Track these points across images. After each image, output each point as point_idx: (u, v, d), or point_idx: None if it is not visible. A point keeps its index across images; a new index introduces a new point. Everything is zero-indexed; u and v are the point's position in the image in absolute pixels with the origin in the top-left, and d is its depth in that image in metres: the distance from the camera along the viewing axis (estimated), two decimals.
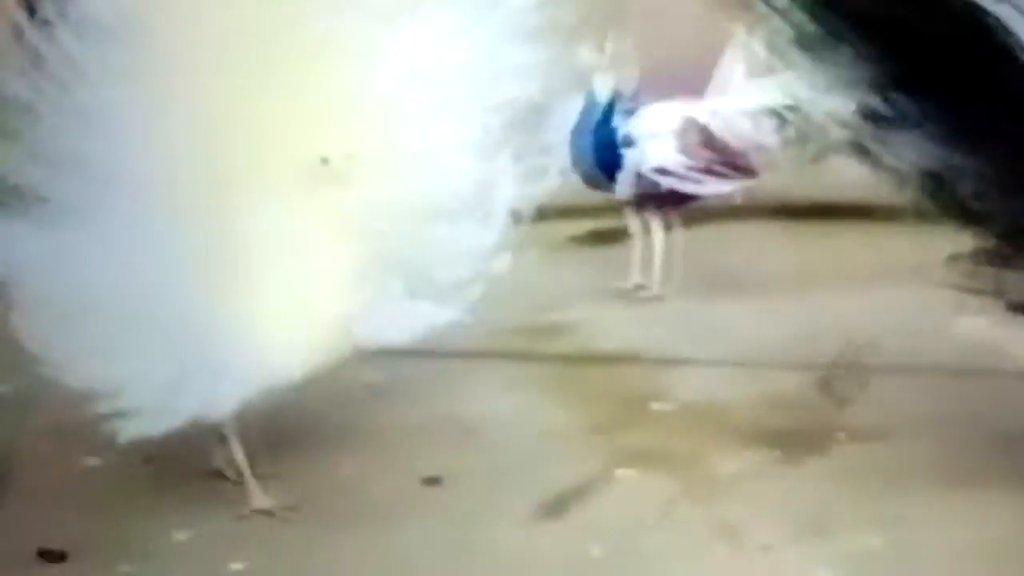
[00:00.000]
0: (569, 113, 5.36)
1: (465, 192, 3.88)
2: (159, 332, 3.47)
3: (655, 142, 5.42)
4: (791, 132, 4.98)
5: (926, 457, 4.07)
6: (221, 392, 3.50)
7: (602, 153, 5.43)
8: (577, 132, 5.38)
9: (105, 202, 3.47)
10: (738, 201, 5.73)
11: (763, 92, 5.07)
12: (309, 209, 3.56)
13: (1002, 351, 4.23)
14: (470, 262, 3.88)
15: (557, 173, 4.60)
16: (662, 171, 5.42)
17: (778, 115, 4.98)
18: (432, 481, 3.93)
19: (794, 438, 4.24)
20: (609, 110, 5.44)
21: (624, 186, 5.46)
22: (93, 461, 3.98)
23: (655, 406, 4.48)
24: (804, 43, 3.87)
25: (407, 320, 3.81)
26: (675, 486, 3.94)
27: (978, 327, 4.04)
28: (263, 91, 3.50)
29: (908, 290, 5.46)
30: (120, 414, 3.41)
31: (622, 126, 5.43)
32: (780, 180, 6.46)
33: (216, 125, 3.45)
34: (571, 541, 3.65)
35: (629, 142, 5.42)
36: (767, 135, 5.22)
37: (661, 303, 5.42)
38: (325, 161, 3.52)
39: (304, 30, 3.57)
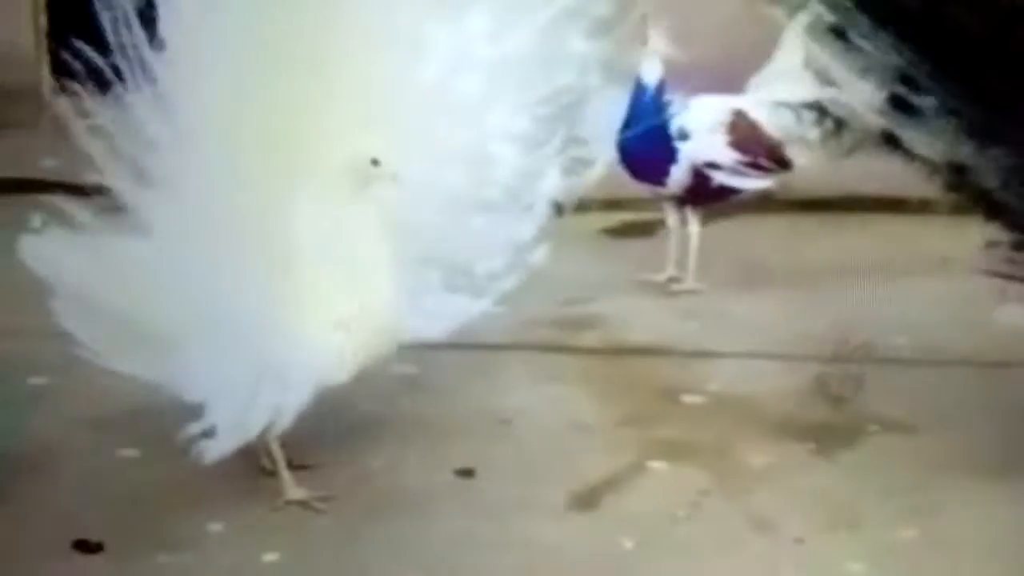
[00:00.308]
0: (612, 105, 5.25)
1: (510, 184, 3.90)
2: (232, 347, 3.47)
3: (708, 136, 5.40)
4: (829, 124, 4.96)
5: (957, 449, 4.06)
6: (287, 402, 3.52)
7: (655, 145, 5.34)
8: (627, 124, 5.28)
9: (172, 214, 3.49)
10: (773, 193, 5.72)
11: (807, 84, 5.04)
12: (360, 210, 3.57)
13: None
14: (508, 254, 3.90)
15: (601, 165, 4.63)
16: (713, 165, 5.40)
17: (819, 108, 4.97)
18: (465, 472, 3.95)
19: (826, 431, 4.24)
20: (658, 102, 5.34)
21: (677, 180, 5.41)
22: (130, 452, 4.02)
23: (687, 399, 4.49)
24: (842, 30, 3.88)
25: (443, 313, 3.84)
26: (707, 478, 3.95)
27: (1017, 315, 4.01)
28: (320, 91, 3.50)
29: (940, 282, 5.48)
30: (208, 433, 3.45)
31: (674, 118, 5.35)
32: (815, 173, 6.47)
33: (273, 130, 3.44)
34: (603, 533, 3.66)
35: (684, 135, 5.37)
36: (808, 128, 5.20)
37: (695, 296, 5.42)
38: (376, 162, 3.53)
39: (358, 26, 3.58)
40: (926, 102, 3.79)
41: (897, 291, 5.38)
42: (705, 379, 4.63)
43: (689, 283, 5.49)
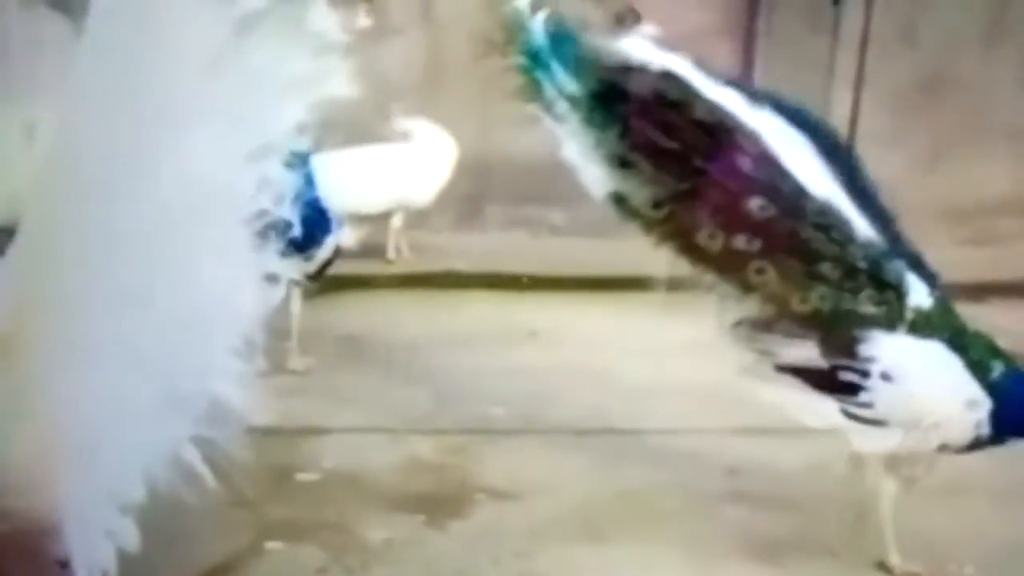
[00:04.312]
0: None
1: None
2: None
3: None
4: None
5: (557, 513, 4.30)
6: None
7: (316, 217, 5.23)
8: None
9: None
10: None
11: None
12: None
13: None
14: None
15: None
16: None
17: None
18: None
19: (436, 502, 4.39)
20: (307, 169, 5.20)
21: (327, 249, 5.42)
22: None
23: (301, 476, 4.53)
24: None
25: None
26: (325, 556, 3.99)
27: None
28: None
29: (535, 353, 5.82)
30: None
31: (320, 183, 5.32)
32: (414, 250, 6.72)
33: None
34: None
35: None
36: None
37: (300, 373, 5.47)
38: None
39: None
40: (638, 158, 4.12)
41: (493, 363, 5.64)
42: (317, 456, 4.68)
43: (294, 361, 5.53)
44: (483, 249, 7.40)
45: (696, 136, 4.03)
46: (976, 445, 3.85)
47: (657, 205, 4.12)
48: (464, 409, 5.13)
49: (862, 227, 3.93)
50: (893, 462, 3.95)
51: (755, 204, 3.96)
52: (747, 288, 4.00)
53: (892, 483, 3.93)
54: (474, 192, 7.72)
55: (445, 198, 7.26)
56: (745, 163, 3.99)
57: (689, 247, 4.09)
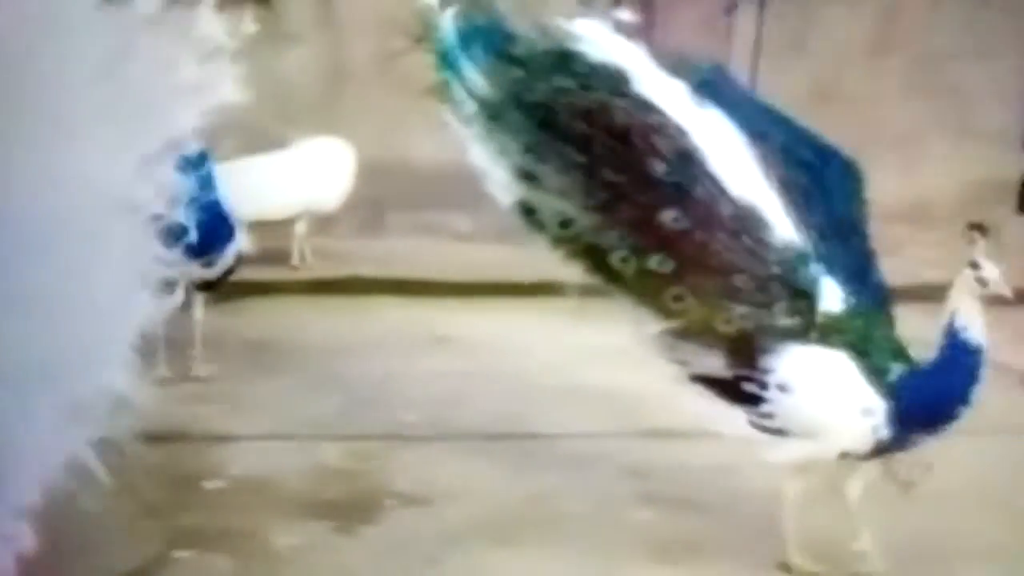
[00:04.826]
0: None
1: None
2: None
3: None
4: None
5: (468, 518, 4.31)
6: None
7: (216, 223, 5.13)
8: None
9: None
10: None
11: None
12: None
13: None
14: None
15: None
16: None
17: None
18: None
19: (346, 508, 4.38)
20: (208, 175, 5.04)
21: (229, 256, 5.32)
22: None
23: (208, 484, 4.49)
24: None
25: None
26: (234, 564, 3.96)
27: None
28: None
29: (443, 359, 5.84)
30: None
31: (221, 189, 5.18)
32: (320, 256, 6.68)
33: None
34: None
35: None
36: None
37: (206, 380, 5.42)
38: None
39: None
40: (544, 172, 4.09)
41: (402, 368, 5.65)
42: (224, 463, 4.64)
43: (198, 368, 5.48)
44: (388, 255, 7.39)
45: (608, 146, 4.01)
46: (883, 450, 3.88)
47: (565, 224, 4.09)
48: (374, 415, 5.13)
49: (782, 229, 3.93)
50: (803, 468, 3.98)
51: (668, 216, 3.94)
52: (668, 314, 3.98)
53: (795, 486, 3.98)
54: (378, 198, 7.71)
55: (349, 204, 7.26)
56: (658, 168, 3.96)
57: (601, 267, 4.06)
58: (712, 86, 4.16)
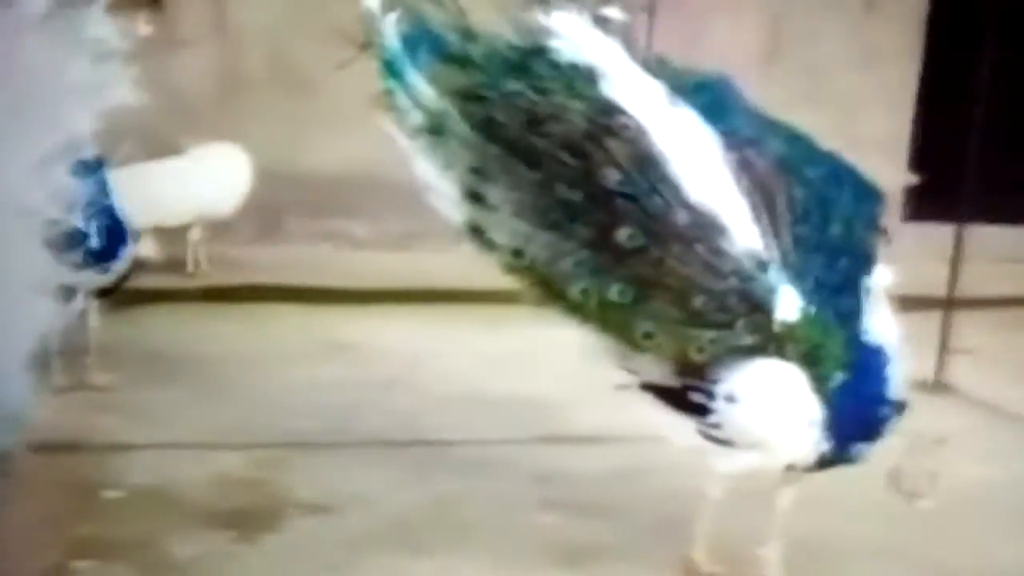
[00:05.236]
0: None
1: None
2: None
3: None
4: None
5: (370, 525, 4.32)
6: None
7: (112, 228, 5.07)
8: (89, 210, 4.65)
9: None
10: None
11: None
12: None
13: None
14: None
15: None
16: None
17: None
18: None
19: (247, 517, 4.35)
20: (102, 180, 5.00)
21: (124, 262, 5.22)
22: None
23: (107, 494, 4.43)
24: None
25: None
26: (134, 574, 3.92)
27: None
28: None
29: (340, 367, 5.82)
30: None
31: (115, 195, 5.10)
32: (217, 264, 6.61)
33: None
34: None
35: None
36: None
37: (101, 388, 5.35)
38: None
39: None
40: (494, 192, 3.91)
41: (301, 376, 5.62)
42: (123, 473, 4.58)
43: (95, 376, 5.41)
44: (285, 262, 7.36)
45: (560, 160, 3.83)
46: (827, 463, 3.84)
47: (517, 254, 3.89)
48: (273, 423, 5.11)
49: (743, 235, 3.76)
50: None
51: (623, 235, 3.76)
52: (640, 350, 3.85)
53: (717, 489, 3.95)
54: (275, 204, 7.67)
55: (246, 211, 7.21)
56: (612, 178, 3.77)
57: (560, 298, 3.89)
58: (716, 97, 4.05)
